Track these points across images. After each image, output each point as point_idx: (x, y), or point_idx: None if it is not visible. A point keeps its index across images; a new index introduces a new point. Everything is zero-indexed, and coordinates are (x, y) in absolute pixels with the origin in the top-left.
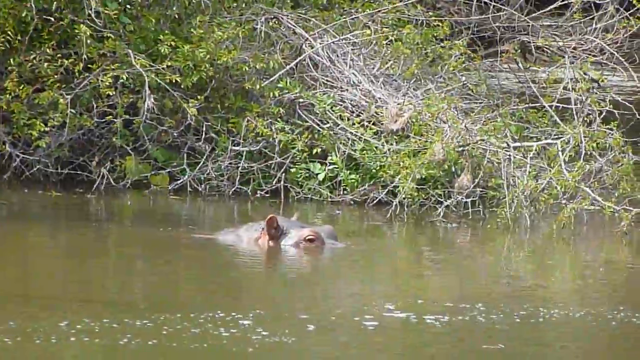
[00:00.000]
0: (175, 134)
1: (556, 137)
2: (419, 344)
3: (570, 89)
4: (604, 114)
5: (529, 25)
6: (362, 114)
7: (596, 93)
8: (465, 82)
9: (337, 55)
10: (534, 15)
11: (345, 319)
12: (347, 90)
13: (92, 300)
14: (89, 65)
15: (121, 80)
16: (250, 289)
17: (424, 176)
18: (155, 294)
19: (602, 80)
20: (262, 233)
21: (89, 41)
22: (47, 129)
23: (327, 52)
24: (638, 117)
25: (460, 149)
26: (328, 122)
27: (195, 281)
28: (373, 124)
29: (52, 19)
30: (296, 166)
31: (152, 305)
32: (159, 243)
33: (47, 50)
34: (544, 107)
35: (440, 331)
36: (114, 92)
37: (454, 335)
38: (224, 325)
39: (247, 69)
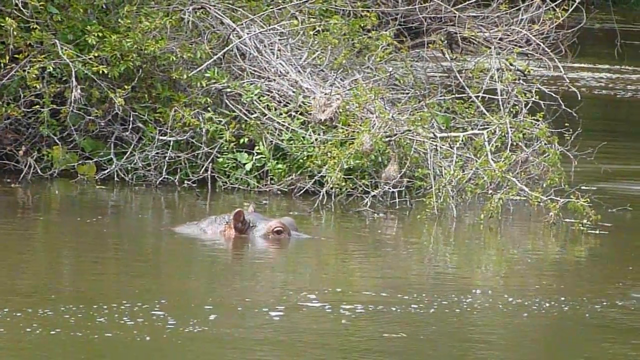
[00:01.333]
0: (102, 124)
1: (483, 127)
2: (317, 331)
3: (497, 80)
4: (530, 104)
5: (455, 16)
6: (289, 104)
7: (522, 84)
8: (392, 73)
9: (265, 46)
10: (460, 6)
11: (253, 308)
12: (274, 80)
13: (3, 290)
14: (16, 56)
15: (48, 70)
16: (170, 280)
17: (351, 166)
18: (73, 284)
19: (529, 71)
20: (227, 226)
21: (15, 32)
22: None
23: (254, 42)
24: (564, 107)
25: (387, 139)
26: (255, 112)
27: (116, 272)
28: (300, 114)
29: None
30: (223, 156)
31: (64, 295)
32: (85, 233)
33: None
34: (471, 97)
35: (347, 320)
36: (40, 85)
37: (360, 323)
38: (130, 315)
39: (174, 58)
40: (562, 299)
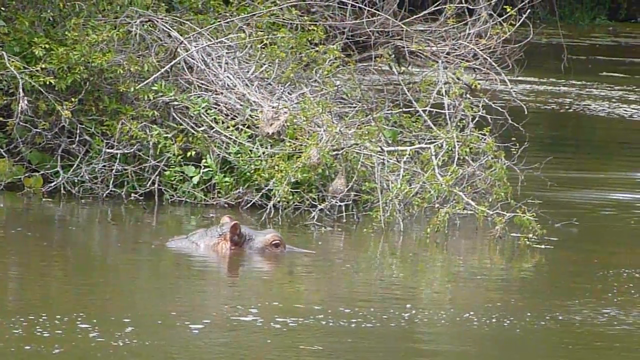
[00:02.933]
0: (49, 136)
1: (430, 141)
2: (229, 345)
3: (444, 94)
4: (477, 119)
5: (402, 30)
6: (237, 117)
7: (469, 98)
8: (339, 87)
9: (212, 59)
10: (407, 20)
11: (175, 322)
12: (222, 93)
13: None
14: None
15: None
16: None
17: (298, 180)
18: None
19: (475, 86)
20: (221, 239)
21: None
22: None
23: (202, 55)
24: (510, 122)
25: (334, 152)
26: (203, 125)
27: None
28: (248, 127)
29: None
30: (170, 169)
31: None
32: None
33: None
34: (418, 111)
35: (274, 332)
36: None
37: (287, 336)
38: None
39: (121, 71)
40: (507, 314)
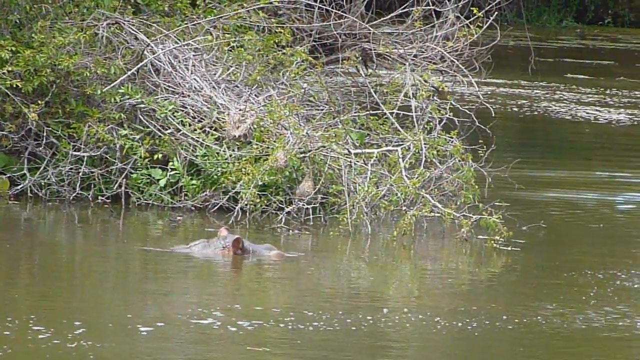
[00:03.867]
0: (15, 139)
1: (397, 144)
2: (170, 348)
3: (411, 96)
4: (444, 121)
5: (370, 33)
6: (203, 119)
7: (436, 101)
8: (306, 89)
9: (179, 61)
10: (375, 22)
11: (127, 325)
12: (188, 96)
13: None
14: None
15: None
16: (69, 296)
17: (265, 182)
18: None
19: (443, 88)
20: (225, 251)
21: None
22: None
23: (168, 58)
24: (478, 124)
25: (301, 155)
26: (169, 128)
27: (22, 287)
28: (215, 130)
29: None
30: (137, 172)
31: None
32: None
33: None
34: (385, 114)
35: (227, 336)
36: None
37: (236, 339)
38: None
39: (88, 74)
40: (473, 316)
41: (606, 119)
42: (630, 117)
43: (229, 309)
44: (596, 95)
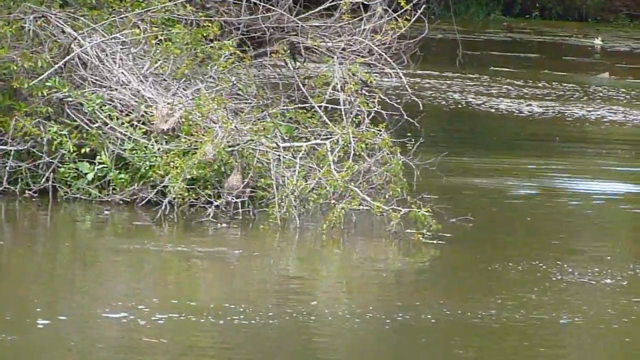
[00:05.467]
0: None
1: (325, 137)
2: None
3: (340, 90)
4: (372, 114)
5: (298, 26)
6: (131, 113)
7: (365, 94)
8: (235, 82)
9: (107, 55)
10: (303, 16)
11: (26, 317)
12: (116, 89)
13: None
14: None
15: None
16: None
17: (194, 176)
18: None
19: (371, 81)
20: None
21: None
22: None
23: (96, 52)
24: (406, 117)
25: (230, 149)
26: (97, 122)
27: None
28: (143, 123)
29: None
30: (65, 166)
31: None
32: None
33: None
34: (314, 107)
35: (132, 329)
36: None
37: (144, 333)
38: None
39: (15, 67)
40: (402, 309)
41: (529, 112)
42: (553, 108)
43: (148, 302)
44: (523, 88)
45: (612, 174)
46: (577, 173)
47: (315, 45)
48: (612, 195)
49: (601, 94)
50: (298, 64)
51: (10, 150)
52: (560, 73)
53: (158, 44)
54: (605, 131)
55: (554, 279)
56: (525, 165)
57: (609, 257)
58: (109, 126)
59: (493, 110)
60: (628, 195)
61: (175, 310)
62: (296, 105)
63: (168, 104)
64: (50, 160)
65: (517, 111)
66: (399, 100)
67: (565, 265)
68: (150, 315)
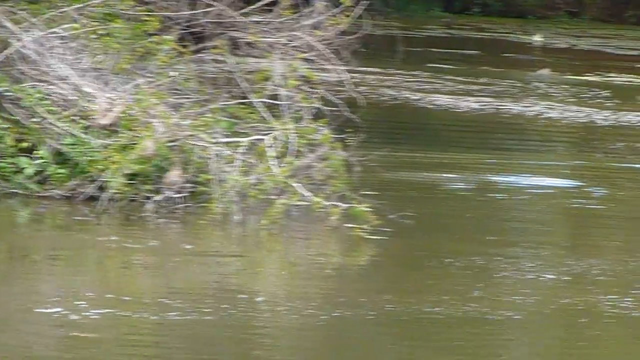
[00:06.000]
0: None
1: (266, 133)
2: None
3: (280, 85)
4: (313, 110)
5: (238, 21)
6: (71, 108)
7: (305, 90)
8: (175, 77)
9: (46, 49)
10: (243, 11)
11: None
12: (56, 84)
13: None
14: None
15: None
16: None
17: (133, 171)
18: None
19: (312, 77)
20: None
21: None
22: None
23: (35, 46)
24: (347, 113)
25: (170, 144)
26: (36, 116)
27: None
28: (82, 118)
29: None
30: (3, 160)
31: None
32: None
33: None
34: (254, 103)
35: (58, 324)
36: None
37: (92, 328)
38: None
39: None
40: (343, 304)
41: (467, 108)
42: (490, 104)
43: (88, 297)
44: (462, 84)
45: (549, 169)
46: (514, 168)
47: (255, 41)
48: (548, 189)
49: (540, 91)
50: (238, 59)
51: None
52: (499, 69)
53: (98, 38)
54: (542, 127)
55: (493, 274)
56: (463, 160)
57: (546, 252)
58: (48, 121)
59: (431, 107)
60: (564, 190)
61: (111, 306)
62: (237, 101)
63: (108, 98)
64: None
65: (455, 107)
66: (339, 96)
67: (504, 260)
68: (85, 311)
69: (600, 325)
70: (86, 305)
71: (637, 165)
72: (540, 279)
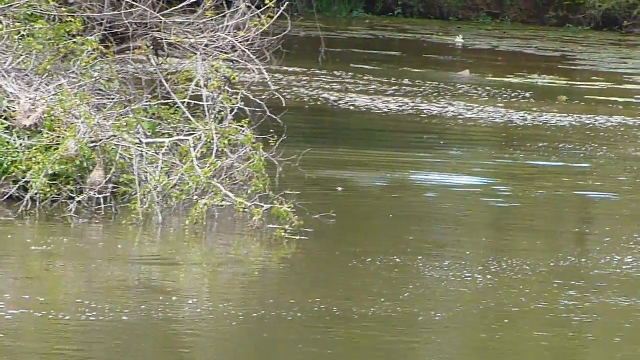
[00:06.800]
0: None
1: (189, 133)
2: None
3: (203, 86)
4: (235, 110)
5: (161, 22)
6: None
7: (228, 90)
8: (98, 78)
9: None
10: (166, 12)
11: None
12: None
13: None
14: None
15: None
16: None
17: (56, 172)
18: None
19: (234, 78)
20: None
21: None
22: None
23: None
24: (269, 114)
25: (93, 145)
26: None
27: None
28: (5, 119)
29: None
30: None
31: None
32: None
33: None
34: (177, 103)
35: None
36: None
37: (7, 330)
38: None
39: None
40: (265, 305)
41: (388, 109)
42: (411, 105)
43: (5, 298)
44: (383, 86)
45: (468, 168)
46: (433, 167)
47: (178, 42)
48: (468, 188)
49: (460, 92)
50: (161, 60)
51: None
52: (421, 70)
53: (21, 39)
54: (462, 127)
55: (415, 273)
56: (384, 159)
57: (468, 252)
58: None
59: (352, 108)
60: (483, 188)
61: (29, 307)
62: (159, 101)
63: (30, 99)
64: None
65: (376, 108)
66: (262, 97)
67: (426, 260)
68: (1, 311)
69: (523, 324)
70: (3, 306)
71: (555, 164)
72: (464, 279)
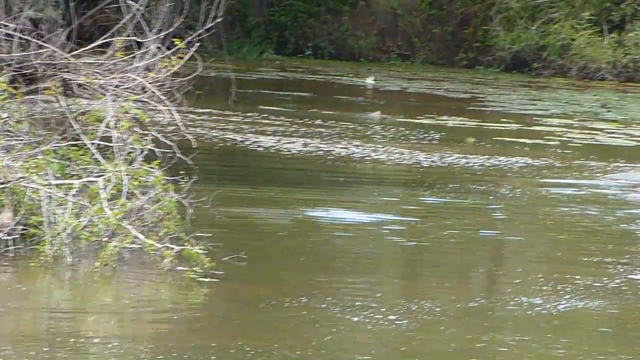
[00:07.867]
0: None
1: (98, 174)
2: None
3: (112, 127)
4: (145, 152)
5: (70, 63)
6: None
7: (138, 131)
8: (6, 119)
9: None
10: (75, 53)
11: None
12: None
13: None
14: None
15: None
16: None
17: None
18: None
19: (144, 119)
20: None
21: None
22: None
23: None
24: (179, 155)
25: (1, 186)
26: None
27: None
28: None
29: None
30: None
31: None
32: None
33: None
34: (86, 144)
35: None
36: None
37: None
38: None
39: None
40: (173, 346)
41: (297, 150)
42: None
43: None
44: (292, 126)
45: (377, 206)
46: (345, 206)
47: (87, 82)
48: (376, 226)
49: (370, 132)
50: (70, 100)
51: None
52: (331, 112)
53: None
54: (372, 167)
55: (330, 314)
56: (294, 197)
57: (379, 294)
58: None
59: (262, 149)
60: (394, 228)
61: None
62: (69, 143)
63: None
64: None
65: (283, 149)
66: (172, 138)
67: (339, 302)
68: None
69: None
70: None
71: (461, 201)
72: (377, 320)
